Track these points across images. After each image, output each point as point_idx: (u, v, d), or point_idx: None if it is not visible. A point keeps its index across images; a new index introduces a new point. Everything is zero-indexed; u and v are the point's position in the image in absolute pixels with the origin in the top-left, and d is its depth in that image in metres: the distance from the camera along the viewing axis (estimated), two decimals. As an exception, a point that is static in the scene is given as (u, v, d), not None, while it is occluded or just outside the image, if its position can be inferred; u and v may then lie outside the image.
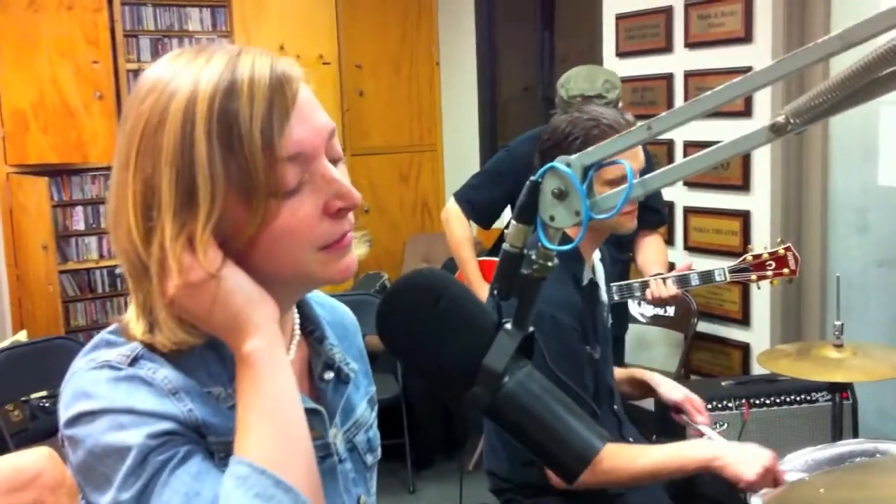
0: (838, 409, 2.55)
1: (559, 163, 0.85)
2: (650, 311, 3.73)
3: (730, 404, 2.80)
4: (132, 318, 0.89)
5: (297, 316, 1.03)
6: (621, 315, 3.30)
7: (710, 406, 2.77)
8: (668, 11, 3.77)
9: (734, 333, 3.68)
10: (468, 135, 5.50)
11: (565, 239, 0.86)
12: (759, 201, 3.50)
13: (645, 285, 2.95)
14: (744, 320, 3.62)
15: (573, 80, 3.02)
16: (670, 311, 3.68)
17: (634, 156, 1.92)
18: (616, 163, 0.88)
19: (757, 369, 3.05)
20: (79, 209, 4.72)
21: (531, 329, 0.87)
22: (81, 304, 4.76)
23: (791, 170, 3.50)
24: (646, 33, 3.90)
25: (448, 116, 5.72)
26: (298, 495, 0.82)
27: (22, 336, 3.93)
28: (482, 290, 2.98)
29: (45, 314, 4.42)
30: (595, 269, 2.09)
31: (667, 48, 3.80)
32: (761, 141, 0.81)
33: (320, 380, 1.02)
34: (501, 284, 0.88)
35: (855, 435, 2.75)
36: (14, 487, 1.97)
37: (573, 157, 0.85)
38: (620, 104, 3.06)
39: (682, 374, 3.65)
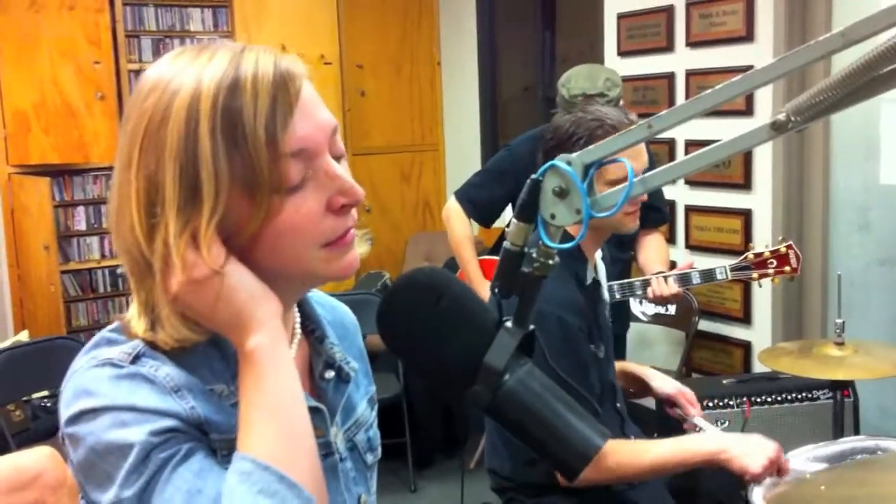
0: (839, 407, 2.55)
1: (560, 161, 0.85)
2: (651, 309, 3.73)
3: (731, 402, 2.80)
4: (134, 316, 0.89)
5: (297, 315, 1.03)
6: (623, 314, 3.30)
7: (711, 404, 2.77)
8: (669, 10, 3.77)
9: (735, 332, 3.68)
10: (469, 134, 5.50)
11: (566, 237, 0.86)
12: (761, 200, 3.50)
13: (646, 284, 2.95)
14: (745, 318, 3.62)
15: (574, 79, 3.02)
16: (671, 309, 3.68)
17: (638, 157, 1.91)
18: (617, 161, 0.88)
19: (758, 367, 3.05)
20: (80, 209, 4.72)
21: (532, 327, 0.87)
22: (83, 304, 4.76)
23: (792, 168, 3.50)
24: (647, 32, 3.90)
25: (449, 116, 5.72)
26: (302, 491, 0.83)
27: (23, 336, 3.94)
28: (483, 289, 2.98)
29: (46, 314, 4.43)
30: (597, 267, 2.09)
31: (668, 47, 3.80)
32: (762, 139, 0.81)
33: (321, 379, 1.02)
34: (502, 282, 0.88)
35: (856, 432, 2.75)
36: (15, 487, 1.97)
37: (574, 155, 0.85)
38: (622, 102, 3.06)
39: (684, 373, 3.65)
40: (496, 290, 0.88)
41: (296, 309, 1.03)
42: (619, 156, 0.87)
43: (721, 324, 3.73)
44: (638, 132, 0.85)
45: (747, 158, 3.51)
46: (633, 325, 3.63)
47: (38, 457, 2.04)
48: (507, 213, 3.37)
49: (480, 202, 3.26)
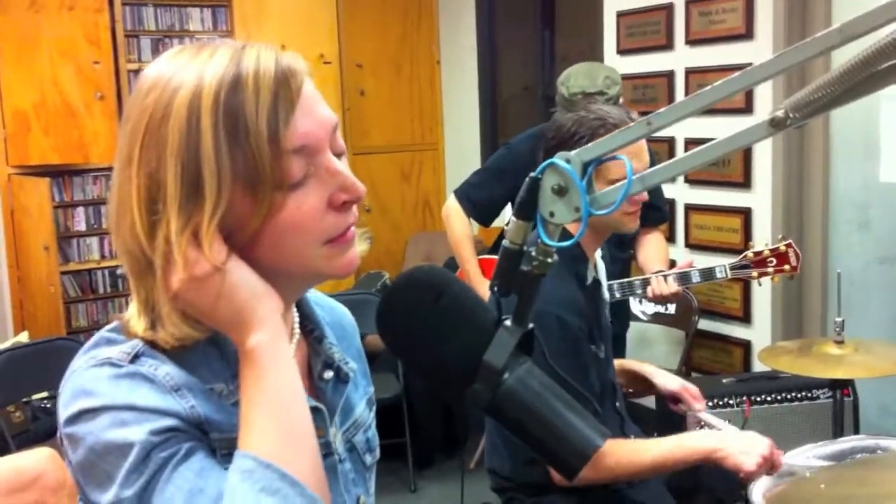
0: (839, 406, 2.55)
1: (559, 159, 0.85)
2: (651, 308, 3.73)
3: (731, 401, 2.80)
4: (133, 315, 0.89)
5: (296, 315, 1.03)
6: (622, 313, 3.30)
7: (711, 403, 2.77)
8: (668, 8, 3.77)
9: (735, 330, 3.68)
10: (469, 134, 5.50)
11: (565, 235, 0.86)
12: (761, 198, 3.49)
13: (646, 283, 2.95)
14: (745, 317, 3.61)
15: (574, 78, 3.01)
16: (671, 308, 3.68)
17: (640, 157, 1.90)
18: (616, 158, 0.88)
19: (758, 366, 3.05)
20: (80, 210, 4.72)
21: (531, 326, 0.87)
22: (83, 305, 4.76)
23: (792, 166, 3.50)
24: (647, 30, 3.90)
25: (449, 115, 5.72)
26: (304, 489, 0.82)
27: (23, 337, 3.94)
28: (482, 288, 2.98)
29: (46, 315, 4.43)
30: (597, 267, 2.09)
31: (668, 45, 3.80)
32: (760, 135, 0.81)
33: (320, 379, 1.02)
34: (501, 281, 0.88)
35: (856, 431, 2.75)
36: (15, 488, 1.97)
37: (573, 153, 0.85)
38: (621, 100, 3.06)
39: (684, 372, 3.65)
40: (495, 289, 0.88)
41: (294, 309, 1.02)
42: (619, 153, 0.87)
43: (721, 323, 3.73)
44: (637, 129, 0.85)
45: (747, 157, 3.51)
46: (632, 324, 3.63)
47: (38, 458, 2.04)
48: (507, 212, 3.37)
49: (480, 201, 3.26)
